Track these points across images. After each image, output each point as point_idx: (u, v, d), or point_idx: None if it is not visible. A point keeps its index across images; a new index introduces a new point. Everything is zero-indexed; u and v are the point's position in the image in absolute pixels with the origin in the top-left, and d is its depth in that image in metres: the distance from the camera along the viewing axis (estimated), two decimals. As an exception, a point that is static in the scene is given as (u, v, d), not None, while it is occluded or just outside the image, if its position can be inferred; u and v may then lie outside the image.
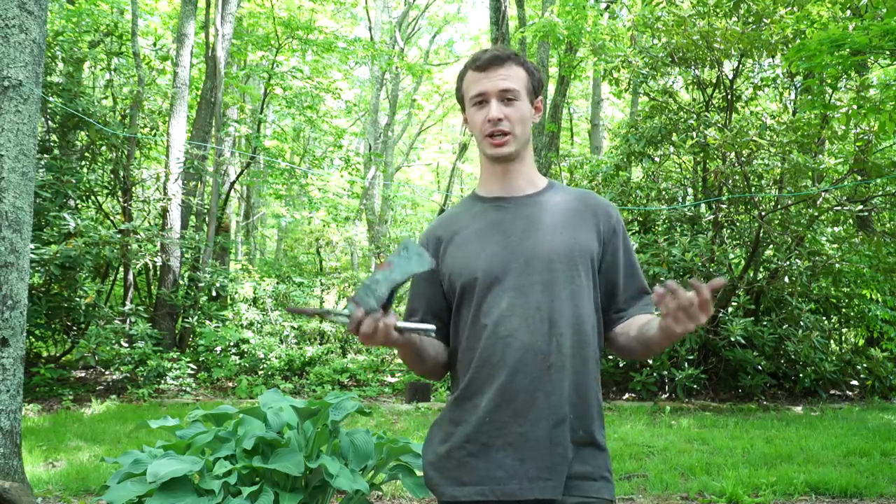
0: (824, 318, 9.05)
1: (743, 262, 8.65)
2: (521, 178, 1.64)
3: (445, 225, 1.67)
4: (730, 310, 8.05)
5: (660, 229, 9.36)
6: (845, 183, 8.39)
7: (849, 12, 6.95)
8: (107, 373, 8.89)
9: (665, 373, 7.99)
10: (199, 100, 10.74)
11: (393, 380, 9.41)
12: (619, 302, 1.63)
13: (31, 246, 5.10)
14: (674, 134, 8.87)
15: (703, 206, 9.40)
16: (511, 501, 1.48)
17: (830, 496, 4.41)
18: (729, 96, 8.66)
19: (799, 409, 7.71)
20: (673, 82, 9.48)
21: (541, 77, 1.66)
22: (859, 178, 8.23)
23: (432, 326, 1.43)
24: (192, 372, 8.61)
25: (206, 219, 10.59)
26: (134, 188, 9.98)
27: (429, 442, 1.62)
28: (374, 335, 1.37)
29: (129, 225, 8.90)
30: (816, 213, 8.29)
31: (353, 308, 1.36)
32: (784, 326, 8.20)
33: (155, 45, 11.89)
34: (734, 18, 8.14)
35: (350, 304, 1.37)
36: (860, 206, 8.41)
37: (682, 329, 1.34)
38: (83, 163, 9.66)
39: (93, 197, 9.82)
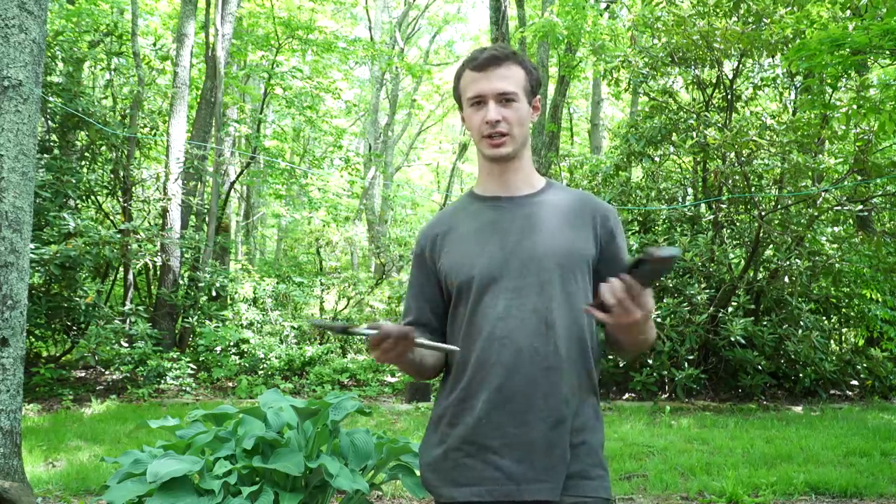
0: (824, 318, 9.04)
1: (743, 262, 8.65)
2: (518, 177, 1.63)
3: (442, 223, 1.67)
4: (730, 310, 8.05)
5: (660, 229, 9.36)
6: (845, 183, 8.39)
7: (849, 12, 6.95)
8: (107, 373, 8.89)
9: (665, 373, 7.98)
10: (199, 100, 10.73)
11: (393, 380, 9.42)
12: None
13: (31, 246, 5.10)
14: (674, 134, 8.86)
15: (703, 206, 9.39)
16: (508, 502, 1.47)
17: (830, 496, 4.41)
18: (729, 96, 8.66)
19: (799, 409, 7.71)
20: (673, 82, 9.47)
21: (539, 76, 1.65)
22: (859, 178, 8.23)
23: (456, 347, 1.48)
24: (192, 372, 8.61)
25: (206, 219, 10.59)
26: (134, 188, 9.98)
27: (425, 444, 1.62)
28: (396, 354, 1.39)
29: (129, 225, 8.89)
30: (816, 213, 8.28)
31: (368, 331, 1.37)
32: (784, 326, 8.19)
33: (155, 45, 11.89)
34: (734, 18, 8.13)
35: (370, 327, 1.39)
36: (860, 206, 8.40)
37: (621, 321, 1.36)
38: (83, 163, 9.65)
39: (93, 197, 9.82)
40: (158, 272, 9.91)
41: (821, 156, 8.45)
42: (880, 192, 8.56)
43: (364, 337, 1.36)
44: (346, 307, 11.79)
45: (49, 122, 9.14)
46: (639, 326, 1.43)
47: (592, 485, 1.50)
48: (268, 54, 13.88)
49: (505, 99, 1.55)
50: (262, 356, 9.07)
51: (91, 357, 8.41)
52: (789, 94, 9.50)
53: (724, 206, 8.91)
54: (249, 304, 10.18)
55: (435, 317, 1.63)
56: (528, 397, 1.48)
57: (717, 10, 8.14)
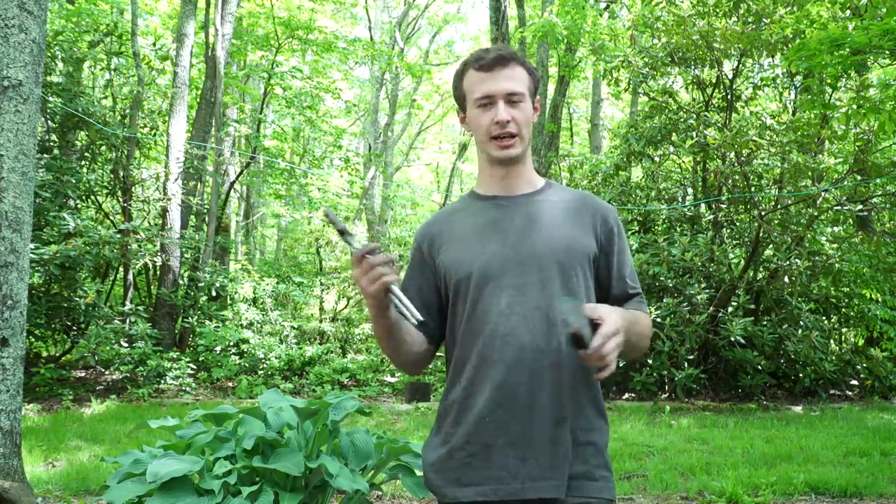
0: (824, 318, 9.05)
1: (743, 262, 8.65)
2: (520, 178, 1.63)
3: (441, 221, 1.67)
4: (730, 310, 8.05)
5: (660, 229, 9.36)
6: (845, 183, 8.39)
7: (849, 12, 6.95)
8: (107, 373, 8.89)
9: (665, 373, 7.98)
10: (199, 100, 10.74)
11: (393, 380, 9.41)
12: (611, 301, 1.64)
13: (31, 246, 5.10)
14: (674, 134, 8.87)
15: (703, 206, 9.39)
16: (513, 501, 1.47)
17: (830, 496, 4.41)
18: (729, 96, 8.66)
19: (799, 408, 7.71)
20: (673, 82, 9.47)
21: (539, 77, 1.66)
22: (859, 178, 8.23)
23: (420, 318, 1.44)
24: (192, 372, 8.61)
25: (206, 219, 10.59)
26: (134, 188, 9.98)
27: (428, 445, 1.61)
28: (368, 280, 1.38)
29: (129, 225, 8.89)
30: (816, 213, 8.28)
31: (359, 247, 1.40)
32: (784, 326, 8.19)
33: (155, 45, 11.89)
34: (734, 18, 8.13)
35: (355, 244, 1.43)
36: (860, 206, 8.40)
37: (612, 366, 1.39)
38: (83, 163, 9.65)
39: (93, 197, 9.82)
40: (158, 272, 9.91)
41: (821, 156, 8.45)
42: (880, 192, 8.57)
43: (354, 247, 1.41)
44: (345, 307, 11.79)
45: (49, 122, 9.14)
46: (624, 349, 1.46)
47: (597, 486, 1.51)
48: (268, 54, 13.88)
49: (513, 99, 1.56)
50: (262, 356, 9.07)
51: (91, 357, 8.41)
52: (789, 94, 9.50)
53: (724, 206, 8.91)
54: (249, 304, 10.18)
55: (428, 314, 1.63)
56: (530, 394, 1.47)
57: (717, 10, 8.14)
